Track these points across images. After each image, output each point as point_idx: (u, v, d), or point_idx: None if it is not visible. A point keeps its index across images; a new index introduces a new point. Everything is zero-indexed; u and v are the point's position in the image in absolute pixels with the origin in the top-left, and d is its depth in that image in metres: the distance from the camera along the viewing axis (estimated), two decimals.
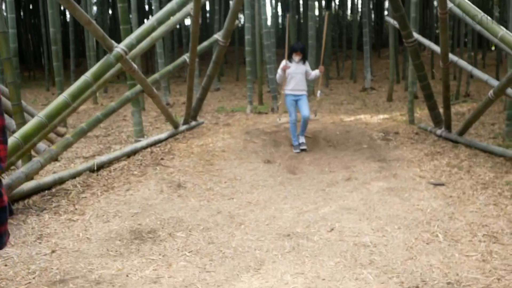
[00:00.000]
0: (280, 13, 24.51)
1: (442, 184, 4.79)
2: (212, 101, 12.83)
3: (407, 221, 3.92)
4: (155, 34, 5.57)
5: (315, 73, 6.89)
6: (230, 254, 3.41)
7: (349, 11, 24.93)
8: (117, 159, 6.08)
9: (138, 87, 6.17)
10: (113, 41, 4.63)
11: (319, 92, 7.26)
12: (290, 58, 6.85)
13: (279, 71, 6.90)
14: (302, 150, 6.75)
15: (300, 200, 4.57)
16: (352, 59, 16.72)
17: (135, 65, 5.32)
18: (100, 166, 5.73)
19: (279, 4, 22.48)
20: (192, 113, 8.39)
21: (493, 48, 21.75)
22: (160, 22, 4.95)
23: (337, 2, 23.04)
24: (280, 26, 24.66)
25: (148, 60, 20.46)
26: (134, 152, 6.42)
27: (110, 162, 5.91)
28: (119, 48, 4.66)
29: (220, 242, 3.63)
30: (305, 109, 6.76)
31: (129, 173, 5.57)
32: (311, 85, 11.29)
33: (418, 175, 5.19)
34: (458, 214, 4.02)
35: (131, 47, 4.79)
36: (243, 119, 9.34)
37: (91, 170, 5.49)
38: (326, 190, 4.85)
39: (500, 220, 3.91)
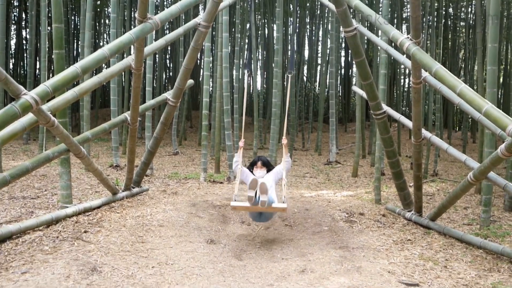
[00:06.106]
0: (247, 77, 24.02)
1: (416, 285, 3.89)
2: (167, 166, 11.87)
3: None
4: (84, 85, 4.70)
5: (282, 165, 5.50)
6: None
7: (317, 84, 24.86)
8: (31, 229, 5.06)
9: (62, 145, 5.22)
10: (20, 87, 3.73)
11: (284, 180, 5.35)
12: (251, 171, 5.57)
13: (236, 156, 5.59)
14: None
15: None
16: (317, 131, 16.19)
17: (53, 118, 4.40)
18: (7, 237, 4.69)
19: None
20: (136, 178, 7.42)
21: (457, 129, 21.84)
22: (85, 70, 4.09)
23: (305, 74, 22.92)
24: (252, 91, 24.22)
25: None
26: (56, 221, 5.39)
27: (21, 233, 4.89)
28: (29, 95, 3.76)
29: None
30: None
31: (38, 249, 4.52)
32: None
33: (387, 269, 4.29)
34: None
35: (45, 95, 3.88)
36: (194, 187, 8.41)
37: None
38: (274, 286, 3.89)
39: None
